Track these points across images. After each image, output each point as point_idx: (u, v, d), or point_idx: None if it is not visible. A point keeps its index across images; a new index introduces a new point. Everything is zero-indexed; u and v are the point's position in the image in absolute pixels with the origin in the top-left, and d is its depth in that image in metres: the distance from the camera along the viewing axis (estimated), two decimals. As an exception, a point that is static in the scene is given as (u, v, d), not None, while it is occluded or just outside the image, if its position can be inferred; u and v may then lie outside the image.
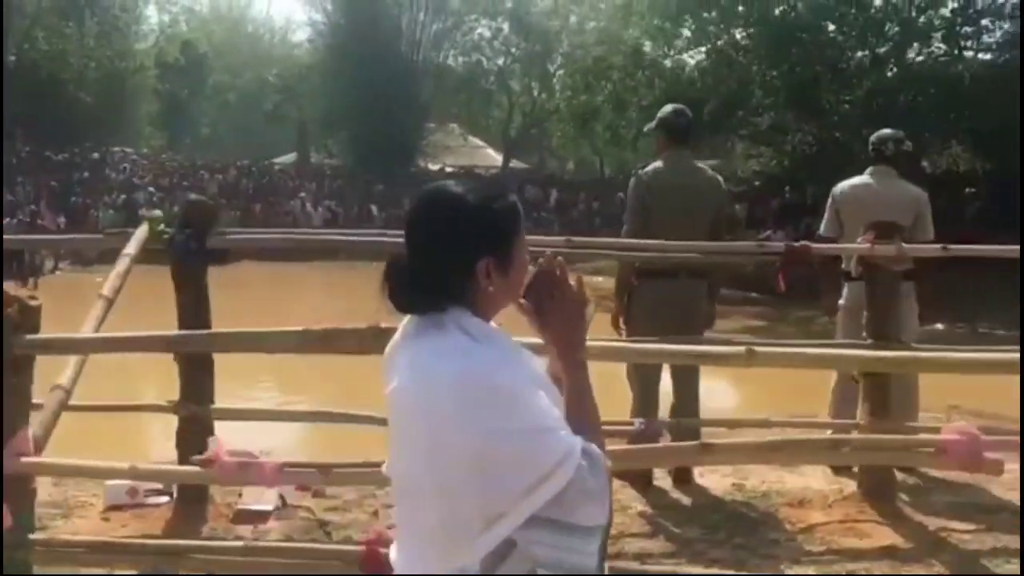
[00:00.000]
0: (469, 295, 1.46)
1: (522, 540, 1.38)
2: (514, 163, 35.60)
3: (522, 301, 1.51)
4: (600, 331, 4.75)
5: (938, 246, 4.13)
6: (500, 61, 34.88)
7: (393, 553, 1.56)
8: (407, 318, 1.53)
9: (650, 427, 4.04)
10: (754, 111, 20.84)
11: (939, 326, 15.79)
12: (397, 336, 1.54)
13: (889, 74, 19.92)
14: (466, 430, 1.35)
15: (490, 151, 36.79)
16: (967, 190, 20.78)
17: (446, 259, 1.45)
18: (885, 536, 3.84)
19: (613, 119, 20.73)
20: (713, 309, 4.74)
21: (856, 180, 4.96)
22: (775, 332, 15.42)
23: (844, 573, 3.54)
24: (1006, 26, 19.51)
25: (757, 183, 24.75)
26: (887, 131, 4.99)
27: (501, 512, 1.37)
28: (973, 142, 19.97)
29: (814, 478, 4.65)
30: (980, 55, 20.60)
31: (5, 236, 4.21)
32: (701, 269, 4.56)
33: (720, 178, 4.62)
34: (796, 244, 4.26)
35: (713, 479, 4.70)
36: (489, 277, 1.45)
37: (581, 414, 1.47)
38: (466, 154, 35.59)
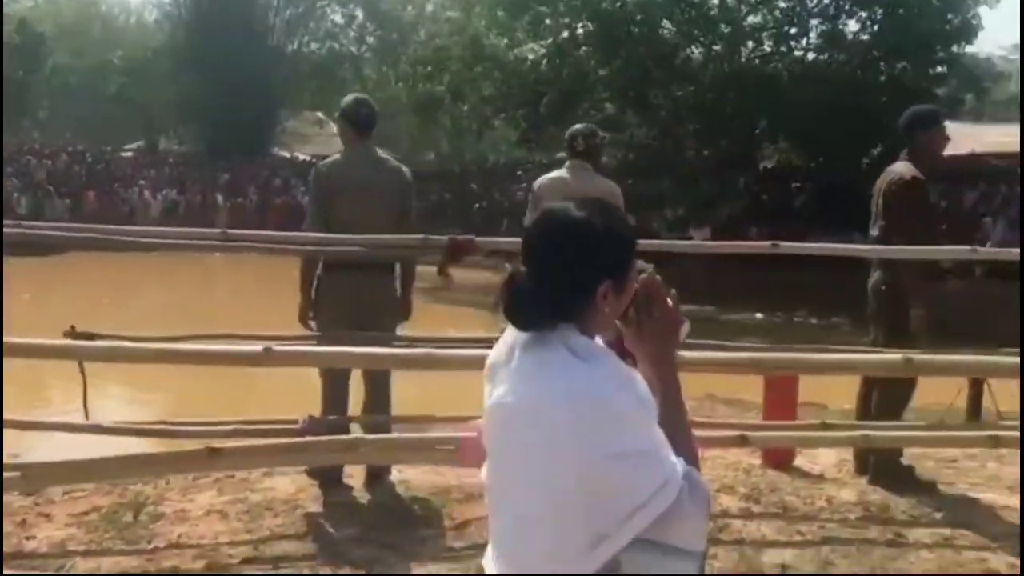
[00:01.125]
0: (581, 314, 1.48)
1: (625, 561, 1.40)
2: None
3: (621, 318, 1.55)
4: (290, 326, 4.65)
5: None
6: (354, 49, 34.31)
7: (489, 568, 1.53)
8: (510, 331, 1.53)
9: (312, 425, 3.92)
10: (595, 105, 21.19)
11: (759, 315, 16.45)
12: (501, 348, 1.54)
13: (723, 71, 20.50)
14: (579, 451, 1.37)
15: (351, 140, 36.05)
16: (794, 185, 21.66)
17: (571, 281, 1.46)
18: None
19: (453, 109, 20.71)
20: (409, 302, 4.66)
21: (553, 174, 4.99)
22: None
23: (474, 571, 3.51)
24: (827, 27, 20.30)
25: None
26: (578, 126, 5.03)
27: (605, 533, 1.38)
28: (800, 139, 20.81)
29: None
30: (809, 55, 21.41)
31: None
32: (388, 261, 4.48)
33: (406, 169, 4.54)
34: (460, 237, 4.22)
35: (415, 474, 4.63)
36: (606, 299, 1.47)
37: (675, 428, 1.50)
38: (323, 142, 34.84)
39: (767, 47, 21.25)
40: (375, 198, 4.36)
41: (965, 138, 24.64)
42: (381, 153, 4.61)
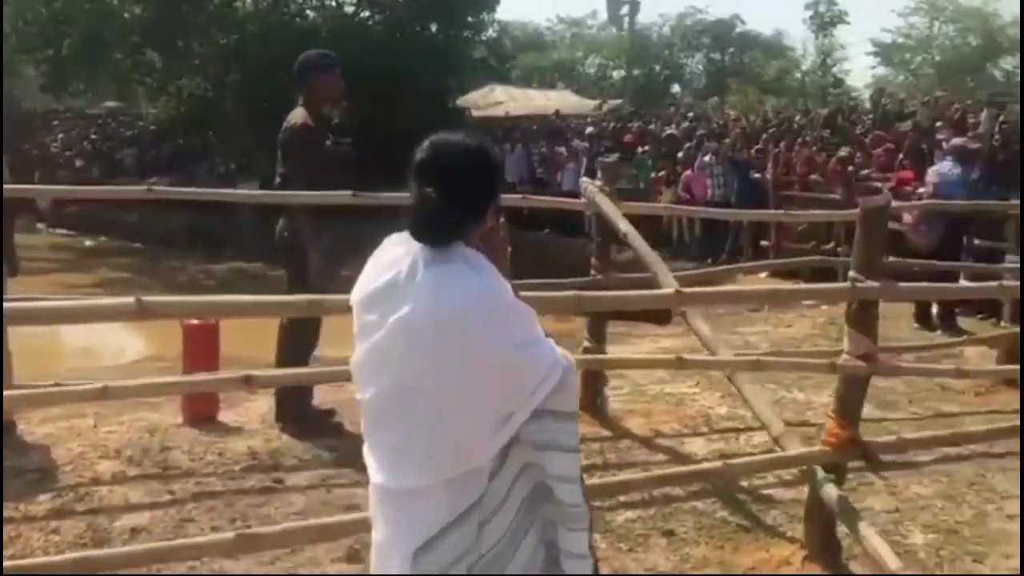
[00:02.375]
0: (471, 231, 1.69)
1: (524, 432, 1.67)
2: None
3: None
4: None
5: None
6: None
7: (375, 474, 1.69)
8: (394, 250, 1.69)
9: None
10: (133, 50, 19.54)
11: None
12: (385, 274, 1.66)
13: (269, 21, 19.75)
14: (495, 344, 1.60)
15: None
16: (345, 140, 21.78)
17: (474, 201, 1.69)
18: None
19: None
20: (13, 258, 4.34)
21: None
22: (135, 284, 14.56)
23: None
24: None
25: (154, 128, 23.47)
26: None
27: (512, 411, 1.65)
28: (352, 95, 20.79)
29: None
30: (357, 12, 21.35)
31: None
32: None
33: None
34: None
35: None
36: (491, 217, 1.74)
37: None
38: None
39: (314, 1, 20.92)
40: None
41: (512, 101, 26.74)
42: None
